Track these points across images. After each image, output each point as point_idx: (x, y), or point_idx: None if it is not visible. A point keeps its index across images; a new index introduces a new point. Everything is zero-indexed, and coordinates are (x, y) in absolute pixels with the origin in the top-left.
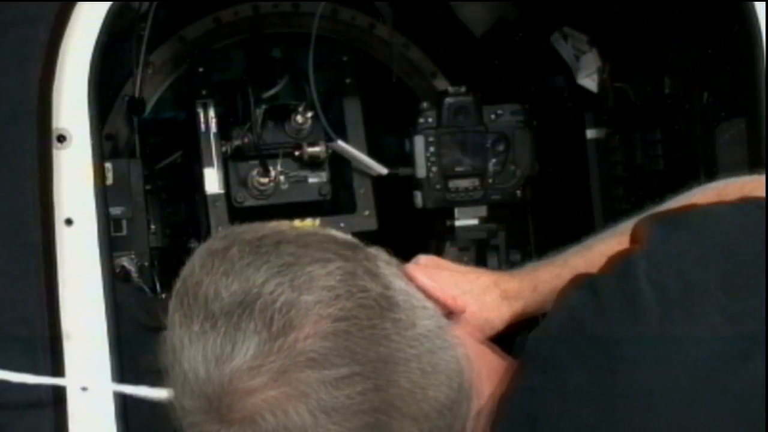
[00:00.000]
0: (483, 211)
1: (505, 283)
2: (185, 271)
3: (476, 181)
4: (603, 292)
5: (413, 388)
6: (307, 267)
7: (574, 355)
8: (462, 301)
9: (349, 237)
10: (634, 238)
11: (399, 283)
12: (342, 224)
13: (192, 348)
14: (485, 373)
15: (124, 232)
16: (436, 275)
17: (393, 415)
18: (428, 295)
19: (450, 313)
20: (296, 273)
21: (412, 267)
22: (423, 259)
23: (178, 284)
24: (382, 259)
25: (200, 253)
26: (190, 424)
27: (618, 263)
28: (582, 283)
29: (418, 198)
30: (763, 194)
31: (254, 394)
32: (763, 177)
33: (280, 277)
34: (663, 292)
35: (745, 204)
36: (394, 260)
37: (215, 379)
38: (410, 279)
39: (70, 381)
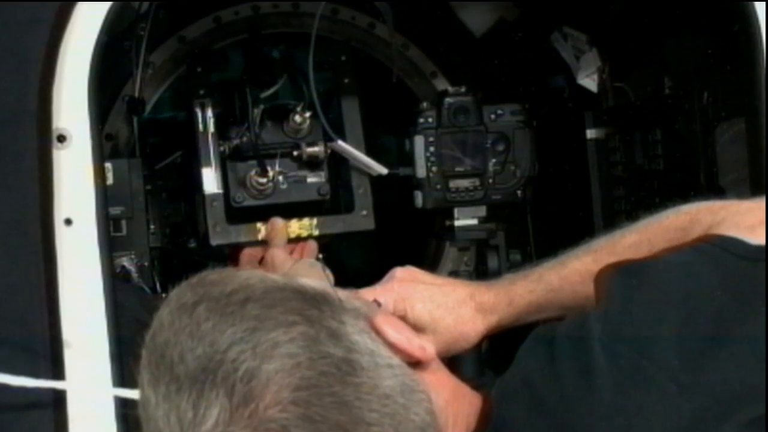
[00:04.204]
0: (483, 211)
1: (480, 296)
2: (156, 323)
3: (476, 181)
4: (558, 356)
5: None
6: (271, 333)
7: (529, 421)
8: (430, 351)
9: (318, 288)
10: (596, 286)
11: (364, 342)
12: (340, 224)
13: (159, 410)
14: (451, 422)
15: (124, 232)
16: (412, 289)
17: None
18: (396, 348)
19: (419, 362)
20: (259, 339)
21: (380, 321)
22: (399, 272)
23: (148, 335)
24: (350, 311)
25: (171, 304)
26: None
27: (577, 323)
28: (542, 338)
29: (418, 198)
30: (731, 226)
31: None
32: (733, 203)
33: (243, 343)
34: (616, 360)
35: (706, 245)
36: (364, 308)
37: None
38: (378, 332)
39: (69, 384)
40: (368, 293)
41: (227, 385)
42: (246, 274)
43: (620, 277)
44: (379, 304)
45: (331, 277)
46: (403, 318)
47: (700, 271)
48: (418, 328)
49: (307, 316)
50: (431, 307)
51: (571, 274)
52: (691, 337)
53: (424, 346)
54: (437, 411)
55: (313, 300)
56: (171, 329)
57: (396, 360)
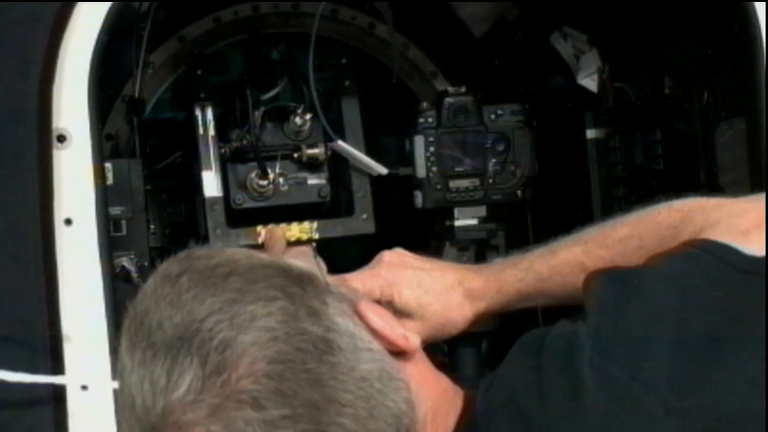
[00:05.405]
0: (483, 211)
1: (469, 282)
2: (140, 292)
3: (476, 181)
4: (546, 371)
5: None
6: (250, 305)
7: None
8: (413, 342)
9: (304, 269)
10: (585, 290)
11: (345, 324)
12: (339, 227)
13: (134, 376)
14: (429, 417)
15: (124, 232)
16: (400, 274)
17: None
18: (378, 335)
19: (402, 352)
20: (237, 311)
21: (364, 306)
22: (387, 256)
23: (131, 303)
24: (335, 294)
25: (156, 274)
26: None
27: (566, 336)
28: (531, 347)
29: (418, 198)
30: (725, 231)
31: (189, 429)
32: (727, 203)
33: (221, 314)
34: (605, 380)
35: (699, 251)
36: (350, 293)
37: (153, 410)
38: (361, 317)
39: (68, 379)
40: (355, 278)
41: (201, 354)
42: (232, 250)
43: (611, 287)
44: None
45: (323, 265)
46: (391, 303)
47: (692, 284)
48: (405, 314)
49: (289, 293)
50: (419, 293)
51: (560, 264)
52: (682, 358)
53: (408, 336)
54: (416, 403)
55: (298, 279)
56: (152, 297)
57: (377, 345)
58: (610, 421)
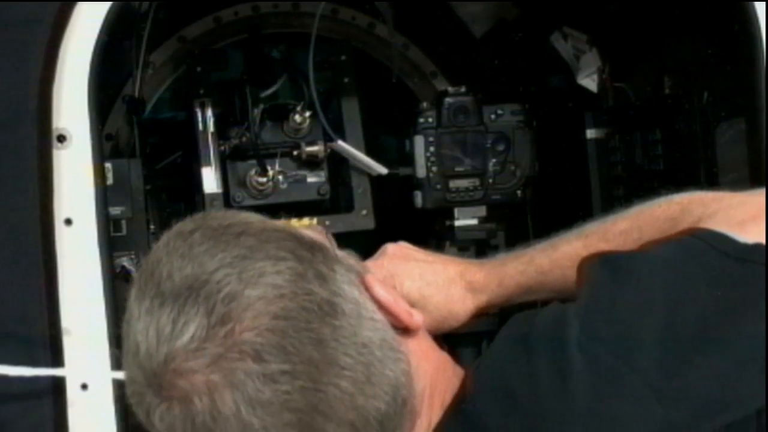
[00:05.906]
0: (483, 211)
1: (471, 275)
2: (153, 247)
3: (476, 181)
4: (535, 353)
5: (342, 395)
6: (259, 262)
7: (499, 420)
8: (417, 319)
9: (316, 238)
10: (579, 273)
11: (351, 292)
12: (339, 223)
13: (140, 323)
14: (428, 393)
15: (124, 232)
16: (402, 266)
17: (316, 418)
18: (383, 308)
19: (405, 328)
20: (246, 266)
21: (371, 278)
22: (390, 248)
23: (145, 257)
24: (344, 264)
25: (171, 231)
26: (133, 393)
27: (556, 317)
28: (520, 329)
29: (418, 198)
30: (721, 221)
31: (189, 376)
32: (726, 196)
33: (230, 268)
34: (593, 362)
35: (693, 238)
36: (358, 266)
37: (156, 356)
38: (367, 288)
39: (68, 372)
40: None
41: (208, 304)
42: (246, 214)
43: (604, 270)
44: None
45: (334, 241)
46: None
47: (685, 270)
48: None
49: (299, 255)
50: (421, 285)
51: (561, 257)
52: (671, 343)
53: (411, 312)
54: (415, 377)
55: (308, 245)
56: (164, 250)
57: (380, 316)
58: (597, 402)
